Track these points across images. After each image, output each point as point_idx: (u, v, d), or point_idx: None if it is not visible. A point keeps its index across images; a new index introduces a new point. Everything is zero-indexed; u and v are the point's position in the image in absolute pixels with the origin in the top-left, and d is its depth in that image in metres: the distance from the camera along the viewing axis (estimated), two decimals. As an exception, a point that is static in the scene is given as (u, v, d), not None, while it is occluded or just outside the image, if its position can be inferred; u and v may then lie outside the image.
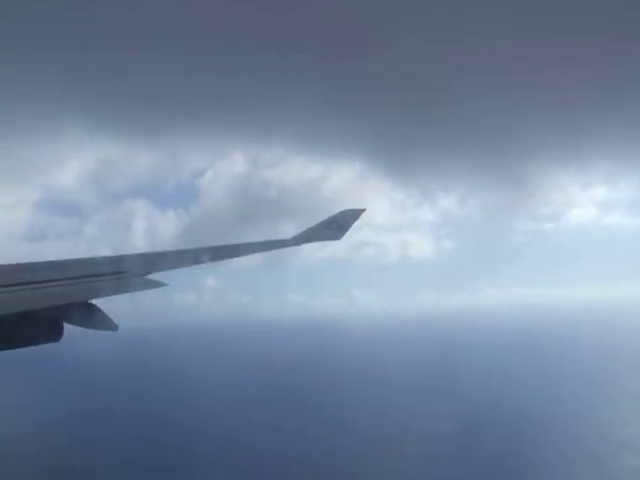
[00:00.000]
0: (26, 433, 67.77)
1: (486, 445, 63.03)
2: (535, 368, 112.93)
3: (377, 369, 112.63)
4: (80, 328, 7.35)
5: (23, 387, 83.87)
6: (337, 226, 11.00)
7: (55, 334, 7.06)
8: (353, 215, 11.29)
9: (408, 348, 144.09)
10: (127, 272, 8.14)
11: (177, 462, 60.29)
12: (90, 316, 7.24)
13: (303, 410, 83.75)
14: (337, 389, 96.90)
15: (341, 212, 11.29)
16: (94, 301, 7.40)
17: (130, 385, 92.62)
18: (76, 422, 76.41)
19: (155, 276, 8.49)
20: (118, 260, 8.56)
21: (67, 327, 7.24)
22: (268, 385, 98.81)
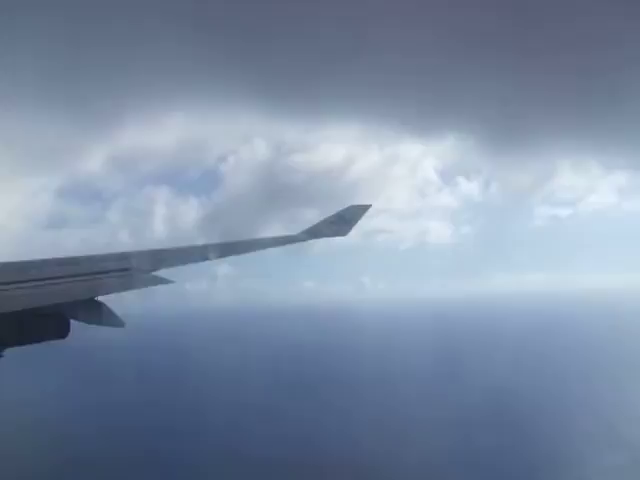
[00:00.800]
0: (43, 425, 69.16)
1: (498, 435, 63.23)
2: (542, 357, 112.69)
3: (387, 356, 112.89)
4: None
5: (41, 381, 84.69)
6: (344, 221, 11.00)
7: (62, 331, 7.13)
8: (359, 210, 11.29)
9: (419, 335, 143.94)
10: (133, 269, 8.19)
11: (189, 450, 61.26)
12: (96, 313, 7.30)
13: (311, 397, 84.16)
14: (348, 377, 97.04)
15: (347, 208, 11.29)
16: (101, 297, 7.48)
17: (140, 374, 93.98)
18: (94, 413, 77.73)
19: (163, 272, 8.53)
20: (125, 257, 8.61)
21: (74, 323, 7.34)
22: (277, 372, 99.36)
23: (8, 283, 6.91)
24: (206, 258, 9.02)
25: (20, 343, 6.86)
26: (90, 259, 8.44)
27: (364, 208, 11.37)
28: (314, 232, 10.75)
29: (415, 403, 77.82)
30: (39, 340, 7.04)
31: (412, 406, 76.72)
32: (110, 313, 7.37)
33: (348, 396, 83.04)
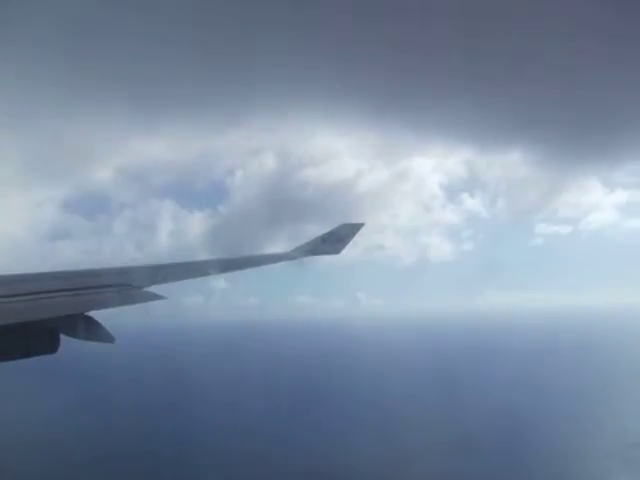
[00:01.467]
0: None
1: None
2: (541, 376, 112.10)
3: (381, 373, 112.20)
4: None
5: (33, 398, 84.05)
6: (337, 240, 10.98)
7: (52, 346, 7.10)
8: (352, 229, 11.28)
9: (413, 352, 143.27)
10: (127, 284, 8.18)
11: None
12: (87, 328, 7.27)
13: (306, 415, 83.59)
14: (343, 395, 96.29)
15: (340, 226, 11.27)
16: (94, 312, 7.47)
17: (134, 385, 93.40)
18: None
19: (157, 288, 8.53)
20: (119, 272, 8.61)
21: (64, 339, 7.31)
22: (272, 389, 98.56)
23: (0, 296, 6.90)
24: (200, 275, 9.02)
25: (10, 358, 6.83)
26: (83, 274, 8.43)
27: (357, 227, 11.34)
28: (307, 250, 10.73)
29: (411, 424, 77.28)
30: (29, 355, 7.01)
31: (408, 427, 76.31)
32: (100, 328, 7.34)
33: (343, 414, 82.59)
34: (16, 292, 7.17)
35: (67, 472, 58.86)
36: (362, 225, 11.37)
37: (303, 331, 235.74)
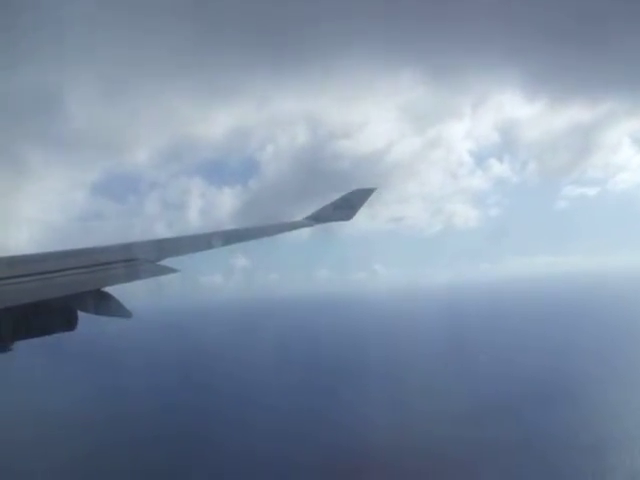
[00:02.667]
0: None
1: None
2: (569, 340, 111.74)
3: (403, 345, 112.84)
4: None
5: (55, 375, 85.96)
6: (348, 206, 10.86)
7: (69, 323, 7.14)
8: (364, 194, 11.11)
9: (434, 322, 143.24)
10: (139, 259, 8.16)
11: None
12: (103, 304, 7.29)
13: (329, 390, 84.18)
14: (363, 368, 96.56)
15: (352, 192, 11.11)
16: (109, 289, 7.48)
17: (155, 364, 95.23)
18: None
19: (169, 262, 8.49)
20: (130, 247, 8.59)
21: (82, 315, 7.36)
22: (291, 366, 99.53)
23: (15, 277, 6.94)
24: (211, 246, 8.96)
25: (29, 336, 6.90)
26: (96, 250, 8.43)
27: (368, 192, 11.19)
28: (319, 217, 10.64)
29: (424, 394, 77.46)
30: (48, 332, 7.06)
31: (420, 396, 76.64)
32: (117, 304, 7.35)
33: (364, 389, 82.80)
34: (31, 271, 7.20)
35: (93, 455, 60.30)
36: (374, 190, 11.18)
37: (326, 306, 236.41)
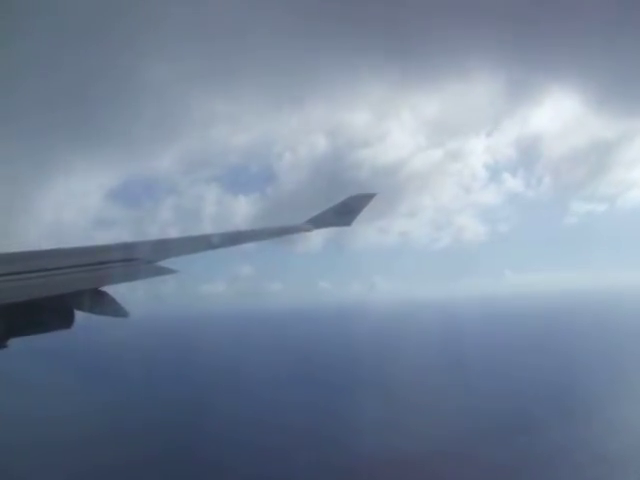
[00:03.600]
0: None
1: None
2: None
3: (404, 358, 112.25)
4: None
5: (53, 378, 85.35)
6: (347, 211, 10.83)
7: (67, 321, 7.12)
8: (364, 200, 11.08)
9: (441, 336, 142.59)
10: (138, 259, 8.15)
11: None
12: (100, 303, 7.27)
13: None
14: (362, 381, 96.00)
15: (351, 197, 11.10)
16: (107, 288, 7.46)
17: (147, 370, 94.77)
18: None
19: (168, 263, 8.46)
20: (129, 247, 8.58)
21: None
22: (290, 378, 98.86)
23: (13, 274, 6.93)
24: (208, 248, 8.94)
25: (25, 333, 6.88)
26: (94, 249, 8.43)
27: (368, 197, 11.17)
28: (318, 222, 10.62)
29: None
30: (44, 330, 7.03)
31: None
32: (114, 303, 7.32)
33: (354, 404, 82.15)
34: (30, 269, 7.19)
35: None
36: (373, 196, 11.16)
37: (332, 318, 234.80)
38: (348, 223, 10.83)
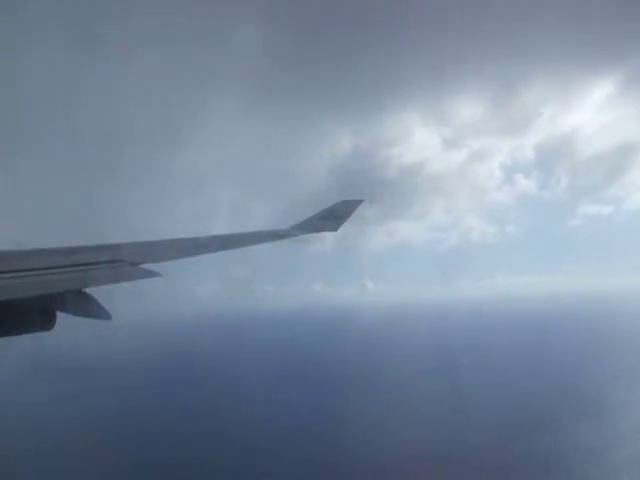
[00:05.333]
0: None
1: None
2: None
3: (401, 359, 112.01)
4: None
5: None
6: (335, 216, 10.79)
7: (48, 323, 7.02)
8: (351, 206, 11.08)
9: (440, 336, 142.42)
10: (122, 261, 8.05)
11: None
12: (83, 305, 7.15)
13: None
14: (355, 383, 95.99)
15: (339, 203, 11.08)
16: (90, 290, 7.36)
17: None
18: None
19: (155, 266, 8.36)
20: (114, 248, 8.48)
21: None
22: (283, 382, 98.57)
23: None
24: (196, 252, 8.83)
25: (5, 334, 6.78)
26: (78, 250, 8.32)
27: (356, 203, 11.17)
28: (305, 227, 10.58)
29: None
30: (24, 332, 6.91)
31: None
32: (96, 305, 7.24)
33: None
34: (12, 268, 7.10)
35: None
36: (361, 202, 11.16)
37: (339, 320, 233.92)
38: (335, 228, 10.75)
